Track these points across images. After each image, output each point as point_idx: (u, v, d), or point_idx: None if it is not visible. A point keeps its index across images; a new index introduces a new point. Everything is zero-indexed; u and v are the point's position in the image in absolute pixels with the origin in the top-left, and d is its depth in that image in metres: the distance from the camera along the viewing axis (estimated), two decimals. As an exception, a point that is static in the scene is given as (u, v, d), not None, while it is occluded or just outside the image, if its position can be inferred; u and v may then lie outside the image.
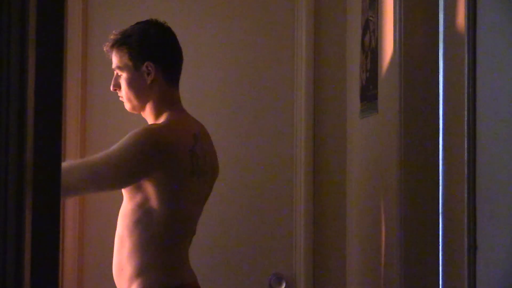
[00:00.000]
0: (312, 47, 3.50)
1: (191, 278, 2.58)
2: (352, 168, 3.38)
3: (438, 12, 2.48)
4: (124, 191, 2.53)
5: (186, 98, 3.55)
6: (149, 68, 2.57)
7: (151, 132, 2.48)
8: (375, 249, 2.93)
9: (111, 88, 2.65)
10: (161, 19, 2.66)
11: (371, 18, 2.99)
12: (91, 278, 3.42)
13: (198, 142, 2.56)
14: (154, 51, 2.59)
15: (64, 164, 2.41)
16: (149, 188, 2.46)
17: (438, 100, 2.47)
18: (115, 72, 2.63)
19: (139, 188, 2.48)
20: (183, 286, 2.52)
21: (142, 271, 2.47)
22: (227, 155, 3.43)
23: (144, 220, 2.47)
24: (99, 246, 3.39)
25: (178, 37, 2.66)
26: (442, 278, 2.36)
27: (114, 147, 2.46)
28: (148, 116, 2.62)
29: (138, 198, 2.48)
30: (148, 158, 2.44)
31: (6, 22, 1.23)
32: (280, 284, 3.47)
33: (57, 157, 1.31)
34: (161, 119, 2.57)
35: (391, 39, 2.70)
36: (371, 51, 2.97)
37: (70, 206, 3.39)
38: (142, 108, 2.62)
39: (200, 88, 3.51)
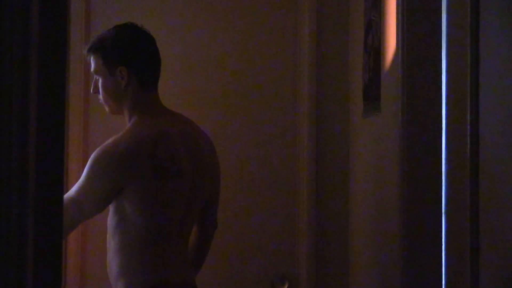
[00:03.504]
0: (315, 47, 3.50)
1: (181, 277, 2.59)
2: (355, 168, 3.38)
3: (441, 12, 2.48)
4: None
5: (187, 98, 3.55)
6: (122, 73, 2.62)
7: (105, 149, 2.54)
8: (378, 249, 2.93)
9: (91, 91, 2.72)
10: (139, 22, 2.69)
11: (374, 18, 2.99)
12: (93, 278, 3.42)
13: (160, 145, 2.54)
14: (126, 56, 2.62)
15: None
16: (121, 196, 2.53)
17: (441, 100, 2.48)
18: (94, 76, 2.69)
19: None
20: (167, 285, 2.55)
21: (124, 271, 2.55)
22: (230, 155, 3.42)
23: (121, 225, 2.55)
24: (101, 246, 3.39)
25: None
26: (445, 279, 2.36)
27: (82, 175, 2.56)
28: (126, 118, 2.67)
29: (115, 204, 2.55)
30: (112, 172, 2.52)
31: (9, 22, 1.23)
32: (283, 284, 3.47)
33: (60, 157, 1.31)
34: (131, 122, 2.62)
35: (394, 39, 2.70)
36: (374, 51, 2.97)
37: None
38: (120, 111, 2.68)
39: (201, 89, 3.51)
